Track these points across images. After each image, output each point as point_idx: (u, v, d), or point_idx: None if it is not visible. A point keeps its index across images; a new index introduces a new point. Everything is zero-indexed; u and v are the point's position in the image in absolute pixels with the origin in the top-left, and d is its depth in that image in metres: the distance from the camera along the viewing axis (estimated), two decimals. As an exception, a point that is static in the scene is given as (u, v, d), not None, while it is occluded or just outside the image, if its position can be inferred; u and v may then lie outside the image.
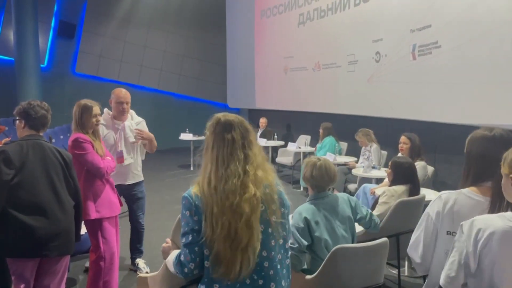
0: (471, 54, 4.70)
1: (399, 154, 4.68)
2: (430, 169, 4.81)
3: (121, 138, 3.59)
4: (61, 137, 8.66)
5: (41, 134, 2.52)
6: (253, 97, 10.13)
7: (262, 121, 8.77)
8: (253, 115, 10.83)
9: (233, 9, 10.96)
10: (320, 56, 7.72)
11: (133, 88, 11.70)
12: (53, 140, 7.14)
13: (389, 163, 3.84)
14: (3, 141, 5.42)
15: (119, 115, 3.61)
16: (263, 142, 7.98)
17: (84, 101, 3.06)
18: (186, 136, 9.00)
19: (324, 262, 2.25)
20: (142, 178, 3.82)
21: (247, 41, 10.18)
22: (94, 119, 3.02)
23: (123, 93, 3.62)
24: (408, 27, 5.63)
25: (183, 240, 1.61)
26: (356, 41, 6.76)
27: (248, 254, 1.56)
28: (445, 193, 1.68)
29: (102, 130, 3.49)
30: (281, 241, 1.67)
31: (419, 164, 4.51)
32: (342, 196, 2.61)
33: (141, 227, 3.87)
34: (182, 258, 1.62)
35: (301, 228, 2.37)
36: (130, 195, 3.74)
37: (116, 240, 3.19)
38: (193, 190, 1.63)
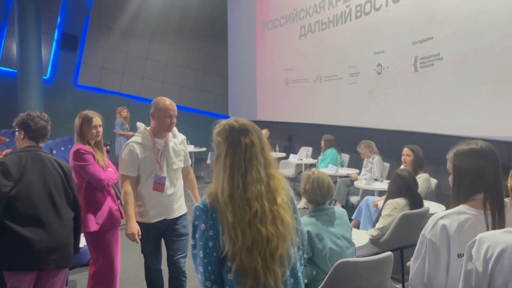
0: (473, 66, 4.70)
1: (402, 166, 4.65)
2: (434, 181, 4.77)
3: (163, 161, 2.83)
4: (62, 148, 8.65)
5: (40, 145, 2.50)
6: (255, 108, 10.14)
7: (264, 132, 8.76)
8: (255, 126, 10.82)
9: (234, 21, 11.05)
10: (322, 68, 7.74)
11: (135, 99, 11.75)
12: (54, 152, 7.12)
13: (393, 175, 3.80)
14: (4, 153, 5.41)
15: (163, 131, 2.84)
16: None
17: (85, 112, 3.05)
18: (187, 148, 8.99)
19: (327, 276, 2.21)
20: (185, 210, 3.02)
21: (249, 53, 10.23)
22: (94, 130, 3.00)
23: (170, 103, 2.82)
24: (409, 39, 5.64)
25: (194, 251, 1.52)
26: (357, 53, 6.78)
27: (276, 264, 1.48)
28: (442, 217, 1.58)
29: (139, 151, 2.78)
30: (296, 248, 1.61)
31: (422, 177, 4.47)
32: (341, 211, 2.56)
33: (182, 274, 2.98)
34: (198, 276, 1.53)
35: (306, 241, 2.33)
36: (171, 232, 2.93)
37: (116, 253, 3.14)
38: (208, 200, 1.52)
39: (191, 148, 8.90)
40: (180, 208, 2.94)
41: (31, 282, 2.35)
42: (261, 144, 1.56)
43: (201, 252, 1.50)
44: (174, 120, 2.82)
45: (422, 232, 1.61)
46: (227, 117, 11.69)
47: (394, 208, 3.46)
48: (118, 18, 11.33)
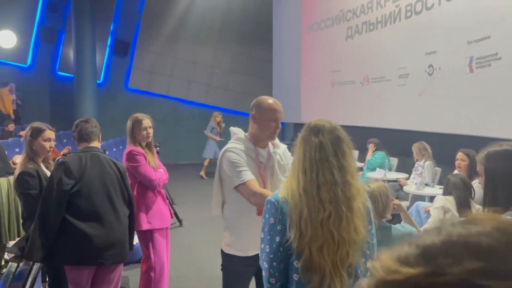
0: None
1: (456, 171, 4.45)
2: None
3: (268, 175, 2.21)
4: (114, 149, 9.02)
5: (96, 146, 2.63)
6: (299, 111, 10.09)
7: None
8: (299, 129, 10.76)
9: (280, 24, 11.06)
10: (369, 69, 7.57)
11: (181, 102, 12.07)
12: (107, 152, 7.44)
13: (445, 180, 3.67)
14: (62, 152, 5.74)
15: (266, 139, 2.23)
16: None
17: (136, 115, 3.16)
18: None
19: None
20: None
21: (294, 55, 10.21)
22: (144, 132, 3.11)
23: (275, 103, 2.22)
24: (464, 38, 5.39)
25: (262, 246, 1.52)
26: (407, 54, 6.57)
27: (344, 271, 1.45)
28: None
29: (245, 159, 2.14)
30: (363, 260, 1.56)
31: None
32: (402, 231, 2.39)
33: None
34: (263, 273, 1.53)
35: None
36: None
37: (166, 251, 3.24)
38: (280, 194, 1.51)
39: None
40: None
41: (90, 276, 2.48)
42: (334, 147, 1.51)
43: (267, 246, 1.49)
44: (279, 126, 2.20)
45: None
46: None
47: (442, 206, 3.41)
48: (166, 23, 11.69)
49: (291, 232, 1.44)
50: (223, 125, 9.47)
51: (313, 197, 1.46)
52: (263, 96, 2.29)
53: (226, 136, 8.81)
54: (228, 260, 2.20)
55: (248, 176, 2.06)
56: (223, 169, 2.15)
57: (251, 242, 2.06)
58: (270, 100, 2.21)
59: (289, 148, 2.10)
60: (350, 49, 8.18)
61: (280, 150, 2.30)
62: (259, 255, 1.56)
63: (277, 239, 1.47)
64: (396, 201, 2.59)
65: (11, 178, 3.76)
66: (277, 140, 2.31)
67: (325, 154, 1.50)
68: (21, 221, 3.76)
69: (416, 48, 6.33)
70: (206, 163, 9.39)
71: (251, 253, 2.11)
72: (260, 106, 2.19)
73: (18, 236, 3.77)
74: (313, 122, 1.58)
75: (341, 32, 8.38)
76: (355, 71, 7.98)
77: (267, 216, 1.52)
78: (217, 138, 9.30)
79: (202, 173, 9.41)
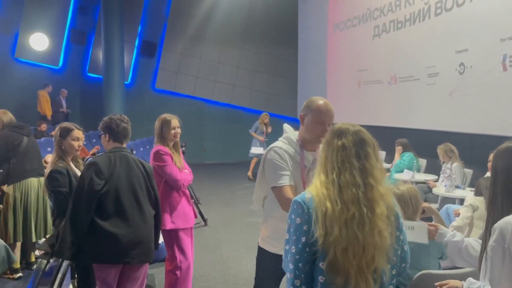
0: None
1: (488, 174, 4.30)
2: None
3: (311, 180, 1.97)
4: (141, 149, 9.18)
5: (124, 145, 2.67)
6: (325, 111, 9.99)
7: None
8: (324, 129, 10.67)
9: (305, 24, 10.99)
10: (397, 69, 7.42)
11: (207, 103, 12.17)
12: (134, 152, 7.59)
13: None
14: (91, 152, 5.89)
15: (313, 142, 2.16)
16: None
17: (164, 115, 3.20)
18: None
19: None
20: None
21: (319, 55, 10.12)
22: (172, 132, 3.14)
23: (325, 104, 2.14)
24: (497, 36, 5.20)
25: (287, 247, 1.50)
26: (437, 53, 6.40)
27: (370, 275, 1.42)
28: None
29: (288, 159, 2.12)
30: (388, 266, 1.51)
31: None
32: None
33: None
34: (287, 275, 1.50)
35: None
36: None
37: (191, 250, 3.26)
38: (307, 195, 1.51)
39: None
40: None
41: (116, 274, 2.52)
42: (356, 149, 1.51)
43: (293, 247, 1.47)
44: (327, 129, 2.05)
45: (492, 244, 1.42)
46: (296, 120, 11.65)
47: (471, 204, 3.34)
48: (192, 24, 11.81)
49: (316, 230, 1.43)
50: (269, 127, 9.42)
51: (335, 197, 1.45)
52: (316, 96, 2.20)
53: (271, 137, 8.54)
54: (260, 254, 2.26)
55: (285, 181, 2.04)
56: (265, 166, 2.15)
57: (283, 240, 2.01)
58: (321, 101, 2.13)
59: None
60: (377, 48, 8.04)
61: None
62: (283, 257, 1.54)
63: (303, 239, 1.45)
64: (426, 204, 2.52)
65: (42, 179, 3.88)
66: None
67: (347, 155, 1.50)
68: (48, 220, 3.87)
69: (447, 46, 6.15)
70: (252, 163, 9.29)
71: (282, 252, 2.06)
72: (309, 107, 2.13)
73: (45, 234, 3.89)
74: (336, 126, 1.59)
75: (368, 31, 8.25)
76: (382, 71, 7.83)
77: (293, 216, 1.50)
78: (261, 138, 9.28)
79: (249, 173, 9.32)
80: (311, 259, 1.46)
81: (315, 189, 1.50)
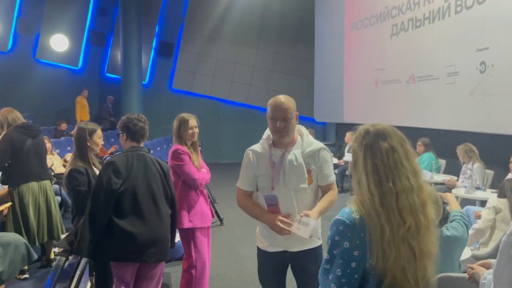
0: None
1: (510, 175, 4.19)
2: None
3: (279, 176, 2.20)
4: (158, 148, 9.27)
5: (141, 145, 2.70)
6: (341, 111, 9.91)
7: (349, 135, 8.51)
8: (341, 129, 10.59)
9: (322, 23, 10.92)
10: (415, 68, 7.30)
11: (223, 102, 12.21)
12: (151, 151, 7.67)
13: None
14: (109, 151, 5.97)
15: (276, 138, 2.24)
16: (350, 157, 7.74)
17: (182, 115, 3.22)
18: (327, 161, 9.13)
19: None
20: (319, 242, 2.29)
21: (336, 54, 10.04)
22: (190, 131, 3.15)
23: (278, 101, 2.19)
24: (520, 33, 5.07)
25: (327, 266, 1.35)
26: (457, 51, 6.27)
27: (423, 286, 1.34)
28: None
29: (255, 160, 2.27)
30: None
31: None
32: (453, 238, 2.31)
33: None
34: None
35: None
36: (295, 268, 2.34)
37: (208, 249, 3.27)
38: (355, 215, 1.32)
39: None
40: (304, 240, 2.15)
41: (133, 272, 2.55)
42: (404, 150, 1.38)
43: (339, 270, 1.32)
44: (283, 125, 2.13)
45: (506, 239, 1.37)
46: (312, 119, 11.59)
47: (493, 206, 3.25)
48: (209, 24, 11.87)
49: (373, 257, 1.29)
50: None
51: (393, 210, 1.30)
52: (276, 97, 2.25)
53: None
54: (258, 254, 2.37)
55: (240, 183, 2.33)
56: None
57: (267, 238, 2.25)
58: (274, 98, 2.21)
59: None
60: (395, 47, 7.93)
61: (298, 150, 2.22)
62: (320, 276, 1.41)
63: (353, 264, 1.31)
64: (440, 194, 2.49)
65: (45, 183, 3.91)
66: (308, 138, 2.28)
67: (399, 158, 1.35)
68: (55, 223, 3.88)
69: (467, 45, 6.02)
70: None
71: (270, 249, 2.27)
72: (269, 106, 2.22)
73: (49, 237, 3.91)
74: (371, 128, 1.41)
75: (386, 29, 8.15)
76: (400, 70, 7.72)
77: (337, 238, 1.32)
78: None
79: None
80: (359, 281, 1.35)
81: (364, 208, 1.32)
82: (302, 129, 2.32)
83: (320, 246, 2.28)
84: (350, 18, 9.50)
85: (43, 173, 3.93)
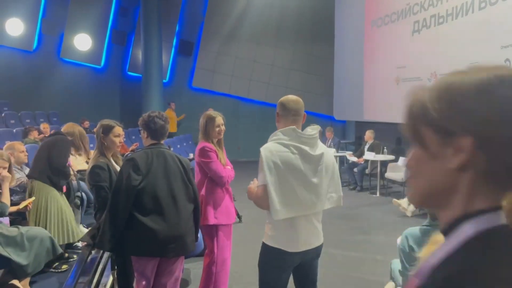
0: None
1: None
2: None
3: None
4: (178, 146, 9.35)
5: (162, 142, 2.73)
6: (361, 109, 9.81)
7: (369, 134, 8.42)
8: (360, 127, 10.48)
9: (342, 21, 10.83)
10: (437, 65, 7.17)
11: (243, 101, 12.25)
12: (171, 149, 7.77)
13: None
14: (130, 148, 6.08)
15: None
16: (371, 155, 7.66)
17: (209, 112, 3.25)
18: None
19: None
20: (320, 241, 2.34)
21: (356, 52, 9.94)
22: (217, 129, 3.18)
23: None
24: (547, 29, 4.92)
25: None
26: (480, 48, 6.13)
27: None
28: None
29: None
30: None
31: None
32: None
33: None
34: None
35: (406, 253, 2.20)
36: (303, 272, 2.36)
37: (229, 247, 3.29)
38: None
39: None
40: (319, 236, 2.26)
41: (153, 267, 2.60)
42: None
43: None
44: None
45: None
46: (331, 117, 11.52)
47: None
48: (228, 23, 11.92)
49: None
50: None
51: None
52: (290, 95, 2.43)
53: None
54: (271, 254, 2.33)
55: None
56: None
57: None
58: (287, 98, 2.44)
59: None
60: (416, 44, 7.80)
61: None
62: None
63: None
64: None
65: (34, 182, 3.98)
66: (313, 143, 2.38)
67: None
68: (65, 225, 3.94)
69: (491, 41, 5.88)
70: None
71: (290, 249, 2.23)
72: (282, 105, 2.52)
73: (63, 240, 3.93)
74: None
75: (407, 26, 8.02)
76: (421, 67, 7.60)
77: None
78: None
79: None
80: None
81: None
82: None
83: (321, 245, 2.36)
84: (371, 15, 9.40)
85: (34, 171, 3.96)
